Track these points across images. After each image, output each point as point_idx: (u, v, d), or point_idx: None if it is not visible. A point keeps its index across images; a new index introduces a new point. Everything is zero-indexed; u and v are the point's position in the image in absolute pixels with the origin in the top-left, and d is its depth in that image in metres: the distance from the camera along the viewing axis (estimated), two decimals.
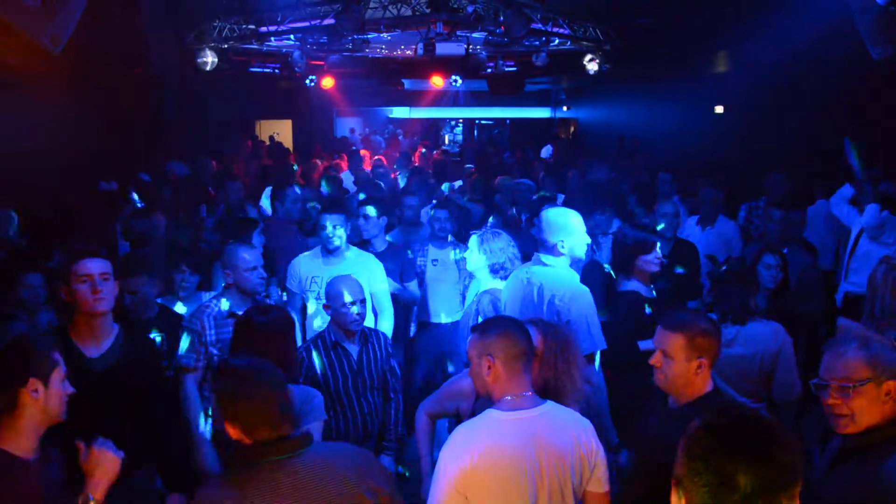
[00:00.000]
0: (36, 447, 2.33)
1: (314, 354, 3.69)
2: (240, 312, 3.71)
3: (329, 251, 4.63)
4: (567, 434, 2.46)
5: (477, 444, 2.38)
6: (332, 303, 3.74)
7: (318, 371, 3.66)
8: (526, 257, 4.07)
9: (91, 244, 3.17)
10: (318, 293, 4.51)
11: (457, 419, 3.11)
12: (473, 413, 2.76)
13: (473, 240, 4.25)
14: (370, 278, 4.55)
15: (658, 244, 4.05)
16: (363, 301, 3.75)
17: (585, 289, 3.62)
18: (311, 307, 4.61)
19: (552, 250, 3.70)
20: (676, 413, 2.61)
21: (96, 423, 2.50)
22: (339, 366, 3.70)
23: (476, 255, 4.19)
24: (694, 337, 2.59)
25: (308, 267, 4.68)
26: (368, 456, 2.45)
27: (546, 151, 14.77)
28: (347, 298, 3.68)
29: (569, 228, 3.70)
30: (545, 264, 3.71)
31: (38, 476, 2.28)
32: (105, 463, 2.33)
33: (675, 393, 2.65)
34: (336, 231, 4.59)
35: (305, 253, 4.86)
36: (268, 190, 7.39)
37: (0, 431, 2.28)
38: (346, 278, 3.83)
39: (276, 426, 2.17)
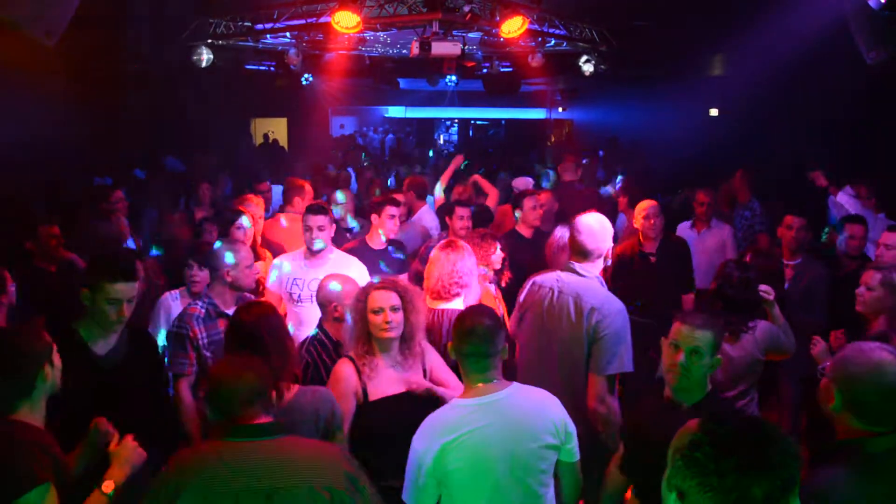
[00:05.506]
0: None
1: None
2: (228, 311, 3.67)
3: (312, 252, 4.53)
4: (534, 411, 2.56)
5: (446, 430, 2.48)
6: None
7: None
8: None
9: (129, 265, 3.00)
10: (299, 295, 4.46)
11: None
12: None
13: None
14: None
15: None
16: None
17: (622, 306, 3.41)
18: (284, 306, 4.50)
19: (590, 257, 3.50)
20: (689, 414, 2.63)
21: (102, 418, 2.55)
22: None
23: None
24: (718, 336, 2.66)
25: (290, 267, 4.57)
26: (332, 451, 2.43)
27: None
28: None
29: (609, 235, 3.55)
30: (581, 274, 3.48)
31: (55, 442, 2.33)
32: (130, 452, 2.46)
33: (685, 392, 2.66)
34: (319, 233, 4.47)
35: (288, 253, 4.75)
36: None
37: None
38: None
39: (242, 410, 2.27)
